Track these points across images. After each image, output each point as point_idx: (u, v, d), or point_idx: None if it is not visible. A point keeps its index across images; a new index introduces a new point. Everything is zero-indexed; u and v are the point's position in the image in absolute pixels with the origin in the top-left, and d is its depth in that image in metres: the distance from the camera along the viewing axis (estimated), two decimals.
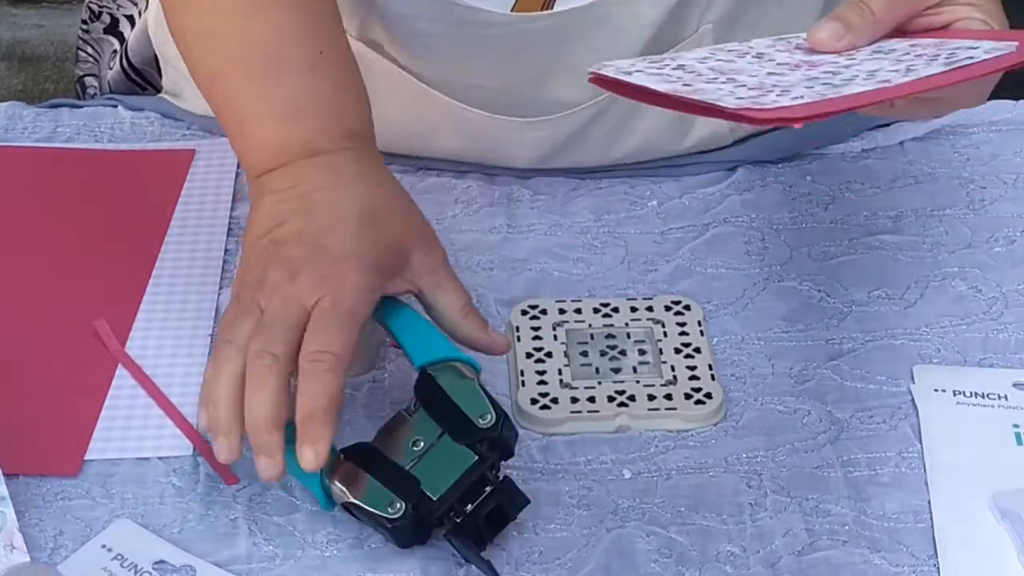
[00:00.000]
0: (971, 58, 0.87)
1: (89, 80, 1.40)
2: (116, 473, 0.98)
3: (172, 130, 1.25)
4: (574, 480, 0.97)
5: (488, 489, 0.90)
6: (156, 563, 0.92)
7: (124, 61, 1.34)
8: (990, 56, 0.87)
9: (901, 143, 1.23)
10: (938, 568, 0.91)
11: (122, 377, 1.04)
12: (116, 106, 1.27)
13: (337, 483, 0.91)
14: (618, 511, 0.95)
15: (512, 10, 1.10)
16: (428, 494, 0.90)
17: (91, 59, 1.40)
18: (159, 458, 0.99)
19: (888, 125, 1.23)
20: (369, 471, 0.91)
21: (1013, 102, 1.25)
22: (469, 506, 0.90)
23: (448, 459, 0.91)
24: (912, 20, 0.95)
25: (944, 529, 0.93)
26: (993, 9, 0.96)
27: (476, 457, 0.90)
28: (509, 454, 0.92)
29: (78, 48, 1.41)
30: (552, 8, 1.10)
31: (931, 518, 0.94)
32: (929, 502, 0.95)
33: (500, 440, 0.91)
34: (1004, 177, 1.20)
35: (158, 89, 1.31)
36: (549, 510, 0.95)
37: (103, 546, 0.93)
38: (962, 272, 1.11)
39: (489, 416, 0.91)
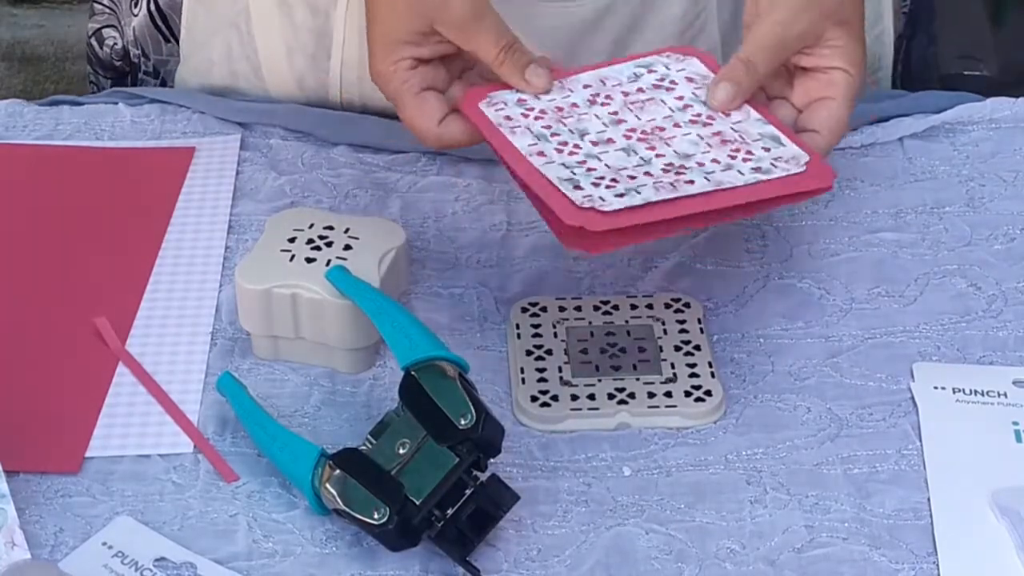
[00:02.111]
0: (764, 171, 0.98)
1: (108, 32, 1.40)
2: (116, 470, 0.98)
3: (172, 128, 1.25)
4: (573, 477, 0.97)
5: (468, 492, 0.90)
6: (156, 560, 0.92)
7: (151, 5, 1.35)
8: (780, 176, 0.97)
9: (900, 139, 1.23)
10: (937, 565, 0.91)
11: (123, 374, 1.04)
12: (117, 103, 1.28)
13: (326, 489, 0.91)
14: (617, 508, 0.95)
15: None
16: (412, 499, 0.90)
17: (107, 10, 1.41)
18: (159, 455, 0.99)
19: (887, 120, 1.24)
20: (355, 477, 0.91)
21: (1012, 99, 1.25)
22: (449, 510, 0.90)
23: (431, 462, 0.91)
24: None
25: (943, 526, 0.93)
26: (856, 53, 1.03)
27: (457, 459, 0.90)
28: (495, 452, 0.92)
29: (93, 1, 1.42)
30: None
31: (931, 515, 0.94)
32: (929, 499, 0.95)
33: (482, 440, 0.91)
34: (1004, 175, 1.20)
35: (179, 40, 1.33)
36: (548, 507, 0.95)
37: (104, 543, 0.93)
38: (962, 270, 1.12)
39: (469, 416, 0.91)
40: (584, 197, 0.95)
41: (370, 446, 0.93)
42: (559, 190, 0.96)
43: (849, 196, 1.18)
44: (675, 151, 1.00)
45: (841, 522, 0.94)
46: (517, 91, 1.04)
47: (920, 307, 1.09)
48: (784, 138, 1.00)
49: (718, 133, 1.01)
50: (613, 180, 0.97)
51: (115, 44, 1.39)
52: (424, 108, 1.03)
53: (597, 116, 1.03)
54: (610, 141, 1.01)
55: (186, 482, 0.97)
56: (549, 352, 1.04)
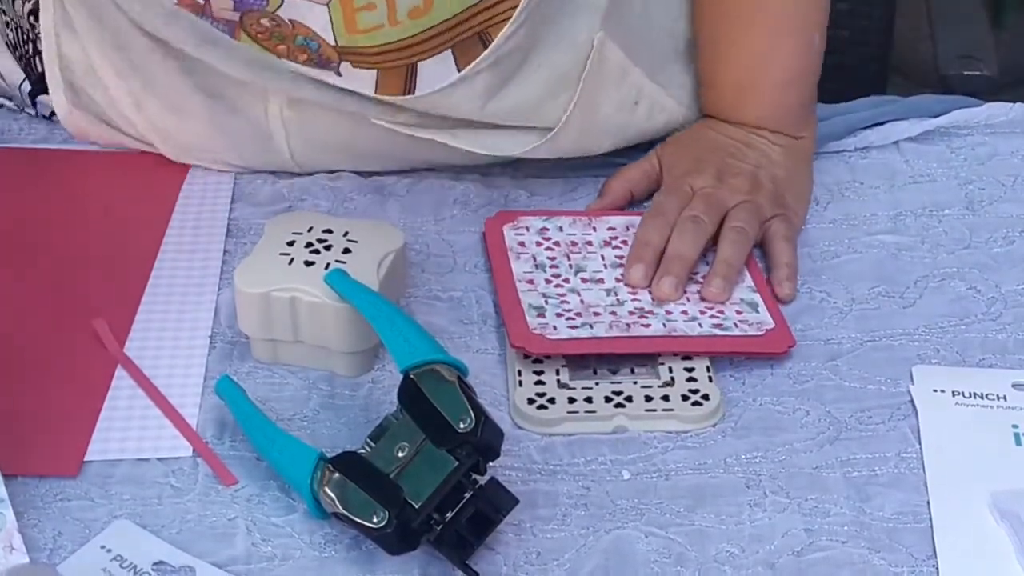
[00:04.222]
0: (723, 328, 1.05)
1: None
2: (115, 474, 0.98)
3: None
4: (573, 481, 0.97)
5: (467, 495, 0.90)
6: (155, 564, 0.92)
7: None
8: (735, 335, 1.05)
9: (896, 143, 1.23)
10: (937, 568, 0.91)
11: (121, 378, 1.04)
12: None
13: (325, 493, 0.91)
14: (616, 512, 0.95)
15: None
16: (411, 502, 0.90)
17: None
18: (158, 459, 0.99)
19: (882, 124, 1.24)
20: (354, 480, 0.91)
21: (1010, 105, 1.25)
22: (449, 513, 0.90)
23: (430, 465, 0.90)
24: None
25: (943, 529, 0.93)
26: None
27: (456, 463, 0.90)
28: (494, 456, 0.92)
29: None
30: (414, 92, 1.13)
31: (930, 518, 0.94)
32: (928, 502, 0.95)
33: (481, 443, 0.91)
34: (1002, 178, 1.19)
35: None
36: (547, 511, 0.95)
37: (102, 547, 0.93)
38: (961, 272, 1.11)
39: (468, 420, 0.91)
40: (539, 324, 1.04)
41: (369, 450, 0.93)
42: (522, 313, 1.05)
43: (848, 198, 1.18)
44: (652, 298, 1.07)
45: (840, 525, 0.94)
46: (544, 219, 1.13)
47: (919, 310, 1.09)
48: (762, 307, 1.07)
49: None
50: (576, 314, 1.05)
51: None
52: None
53: (603, 257, 1.10)
54: (600, 281, 1.08)
55: (185, 486, 0.97)
56: (547, 355, 1.04)
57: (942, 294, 1.10)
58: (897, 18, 1.64)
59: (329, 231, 1.06)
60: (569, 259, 1.10)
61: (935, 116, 1.24)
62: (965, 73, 1.97)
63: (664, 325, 1.05)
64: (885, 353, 1.05)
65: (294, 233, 1.06)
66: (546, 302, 1.06)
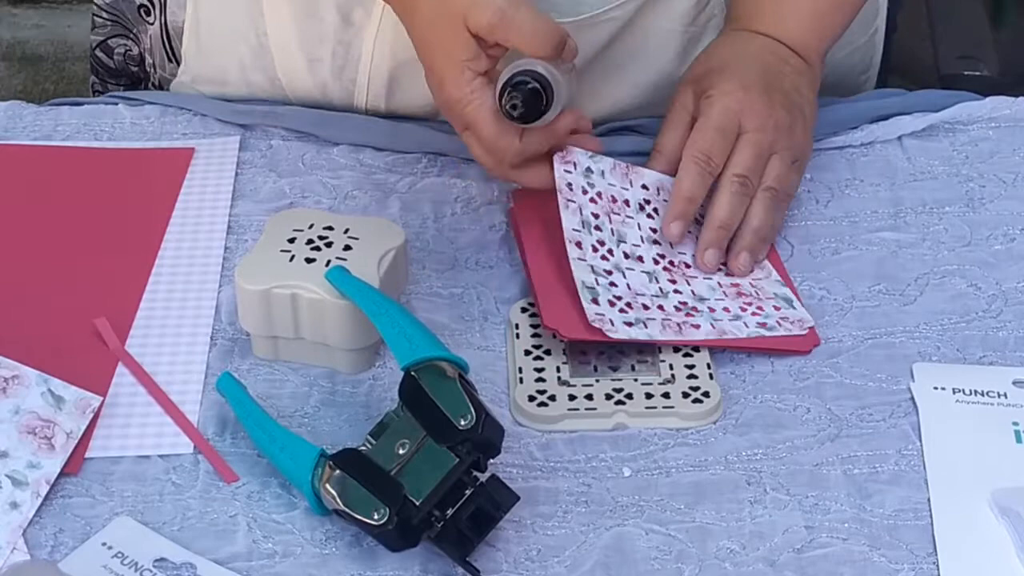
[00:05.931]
0: (768, 327, 1.05)
1: (116, 41, 1.39)
2: (116, 471, 0.98)
3: (172, 129, 1.25)
4: (573, 478, 0.97)
5: (468, 492, 0.90)
6: (156, 561, 0.92)
7: (164, 18, 1.35)
8: (781, 335, 1.05)
9: (899, 138, 1.23)
10: (937, 565, 0.91)
11: (122, 375, 1.04)
12: (117, 104, 1.28)
13: (326, 489, 0.91)
14: (617, 509, 0.95)
15: None
16: (411, 499, 0.90)
17: (109, 22, 1.39)
18: (159, 456, 0.99)
19: (887, 118, 1.24)
20: (355, 477, 0.91)
21: (1012, 99, 1.25)
22: (449, 510, 0.90)
23: (431, 462, 0.91)
24: None
25: (943, 526, 0.93)
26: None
27: (457, 459, 0.90)
28: (494, 453, 0.92)
29: (93, 15, 1.41)
30: None
31: (930, 515, 0.94)
32: (928, 499, 0.95)
33: (482, 440, 0.91)
34: (1003, 175, 1.19)
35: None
36: (548, 508, 0.95)
37: (103, 544, 0.93)
38: (961, 270, 1.11)
39: (469, 417, 0.91)
40: (596, 315, 1.03)
41: (370, 446, 0.94)
42: (568, 293, 1.04)
43: (849, 196, 1.18)
44: (692, 291, 1.06)
45: (841, 522, 0.94)
46: (589, 156, 1.09)
47: (920, 307, 1.09)
48: (796, 302, 1.07)
49: (736, 285, 1.08)
50: (628, 305, 1.04)
51: (128, 51, 1.38)
52: (505, 126, 1.02)
53: (639, 226, 1.09)
54: (639, 260, 1.07)
55: (186, 482, 0.97)
56: (548, 352, 1.04)
57: (943, 291, 1.10)
58: (897, 18, 1.64)
59: (330, 228, 1.06)
60: (611, 220, 1.08)
61: (938, 111, 1.24)
62: (965, 73, 1.98)
63: (712, 326, 1.04)
64: (886, 350, 1.05)
65: (295, 230, 1.06)
66: (597, 282, 1.05)
